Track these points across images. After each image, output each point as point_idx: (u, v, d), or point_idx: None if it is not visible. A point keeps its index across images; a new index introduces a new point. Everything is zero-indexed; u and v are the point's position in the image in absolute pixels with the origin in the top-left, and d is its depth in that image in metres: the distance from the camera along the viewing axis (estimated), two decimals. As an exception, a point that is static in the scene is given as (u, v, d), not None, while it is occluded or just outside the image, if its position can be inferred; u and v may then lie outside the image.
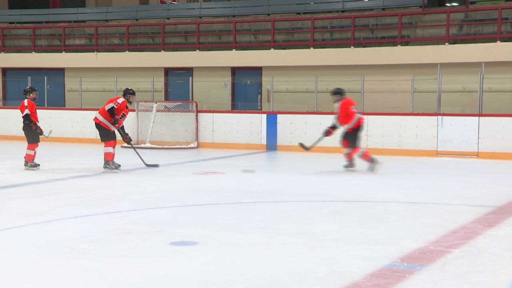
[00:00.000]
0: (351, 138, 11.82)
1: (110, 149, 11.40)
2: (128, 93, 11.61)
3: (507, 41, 16.63)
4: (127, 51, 21.07)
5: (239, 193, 9.22)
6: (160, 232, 6.43)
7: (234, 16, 21.23)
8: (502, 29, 16.85)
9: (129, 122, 17.92)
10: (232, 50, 19.77)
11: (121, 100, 11.41)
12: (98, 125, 11.46)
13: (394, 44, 17.90)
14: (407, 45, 17.98)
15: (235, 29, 20.02)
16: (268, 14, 20.71)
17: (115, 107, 11.28)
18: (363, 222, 7.09)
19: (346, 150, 12.04)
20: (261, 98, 19.30)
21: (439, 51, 16.96)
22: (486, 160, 14.29)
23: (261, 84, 19.25)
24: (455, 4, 19.66)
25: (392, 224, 6.98)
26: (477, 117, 14.86)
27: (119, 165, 11.55)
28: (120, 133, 11.76)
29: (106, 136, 11.44)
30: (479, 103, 15.09)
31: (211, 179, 11.03)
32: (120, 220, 7.16)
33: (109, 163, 11.40)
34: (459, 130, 14.94)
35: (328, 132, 12.35)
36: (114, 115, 11.33)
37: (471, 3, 18.33)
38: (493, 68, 15.70)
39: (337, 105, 12.01)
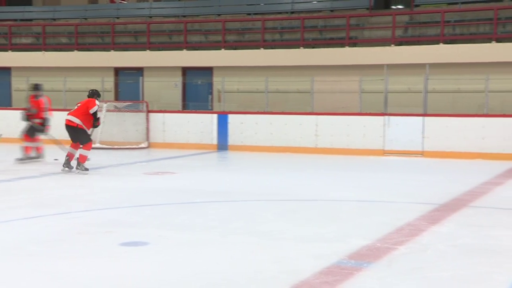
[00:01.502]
0: (36, 131, 12.91)
1: (87, 152, 11.45)
2: (98, 95, 11.77)
3: (450, 43, 17.15)
4: (76, 51, 20.79)
5: (191, 193, 9.27)
6: (112, 233, 6.43)
7: (184, 16, 21.21)
8: (445, 32, 17.36)
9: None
10: (183, 50, 19.75)
11: (98, 101, 11.58)
12: (76, 128, 11.36)
13: (343, 45, 18.22)
14: (355, 46, 18.33)
15: (186, 29, 20.01)
16: (219, 15, 20.78)
17: (98, 109, 11.50)
18: (314, 221, 7.25)
19: (28, 144, 12.98)
20: (212, 98, 19.35)
21: (386, 52, 17.36)
22: (431, 159, 14.71)
23: (212, 84, 19.31)
24: (400, 6, 20.14)
25: (341, 222, 7.16)
26: (422, 117, 15.28)
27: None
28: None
29: (88, 138, 11.49)
30: (424, 103, 15.53)
31: (163, 179, 11.03)
32: (70, 221, 7.12)
33: (82, 165, 11.35)
34: (405, 130, 15.34)
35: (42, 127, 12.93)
36: (96, 116, 11.46)
37: (416, 6, 18.82)
38: (437, 69, 16.16)
39: (43, 100, 12.93)
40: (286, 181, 11.06)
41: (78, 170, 11.35)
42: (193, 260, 5.42)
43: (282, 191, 9.79)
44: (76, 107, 11.57)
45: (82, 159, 11.40)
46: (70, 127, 11.43)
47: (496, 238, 6.28)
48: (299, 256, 5.54)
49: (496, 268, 5.13)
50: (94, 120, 11.46)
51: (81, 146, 11.44)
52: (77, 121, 11.36)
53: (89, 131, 11.59)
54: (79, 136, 11.41)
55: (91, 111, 11.35)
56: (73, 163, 11.47)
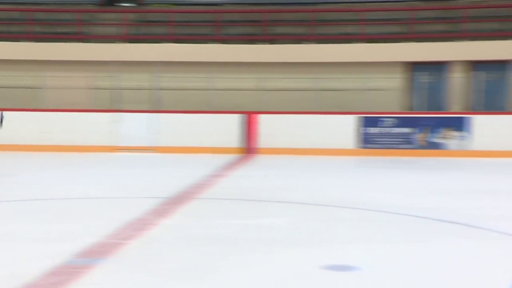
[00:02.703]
0: None
1: None
2: None
3: (179, 43, 17.87)
4: None
5: None
6: None
7: None
8: (172, 31, 18.03)
9: None
10: None
11: None
12: None
13: (73, 40, 17.83)
14: (85, 42, 18.06)
15: None
16: None
17: None
18: (45, 221, 7.06)
19: None
20: None
21: (116, 49, 17.43)
22: (164, 154, 15.21)
23: None
24: (129, 4, 20.38)
25: (72, 221, 7.08)
26: (153, 114, 15.71)
27: None
28: None
29: None
30: (155, 100, 15.97)
31: None
32: None
33: None
34: (137, 126, 15.62)
35: None
36: None
37: (144, 4, 19.22)
38: (168, 67, 16.74)
39: None
40: (12, 181, 10.52)
41: None
42: None
43: (10, 192, 9.31)
44: None
45: None
46: None
47: (219, 227, 6.77)
48: (28, 258, 5.37)
49: (221, 256, 5.53)
50: None
51: None
52: None
53: None
54: None
55: None
56: None
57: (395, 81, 17.22)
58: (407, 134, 15.54)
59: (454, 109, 16.71)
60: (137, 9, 19.41)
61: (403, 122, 15.60)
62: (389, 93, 17.07)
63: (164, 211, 7.64)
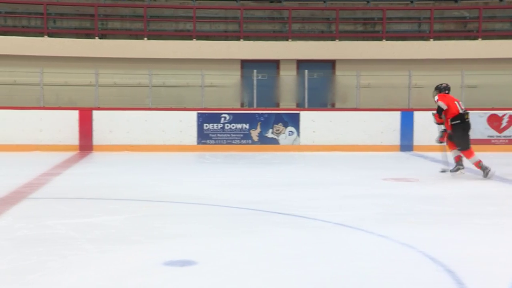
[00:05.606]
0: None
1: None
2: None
3: (5, 35, 16.99)
4: None
5: None
6: None
7: None
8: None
9: None
10: None
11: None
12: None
13: None
14: None
15: None
16: None
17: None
18: None
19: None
20: None
21: None
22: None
23: None
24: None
25: None
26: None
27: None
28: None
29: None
30: None
31: None
32: None
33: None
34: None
35: None
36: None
37: None
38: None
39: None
40: None
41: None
42: None
43: None
44: None
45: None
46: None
47: (52, 228, 6.59)
48: None
49: (52, 256, 5.39)
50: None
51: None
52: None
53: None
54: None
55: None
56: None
57: (231, 78, 17.69)
58: (242, 130, 16.06)
59: (283, 106, 17.55)
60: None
61: (238, 118, 16.08)
62: (226, 89, 17.50)
63: (-8, 213, 7.29)
